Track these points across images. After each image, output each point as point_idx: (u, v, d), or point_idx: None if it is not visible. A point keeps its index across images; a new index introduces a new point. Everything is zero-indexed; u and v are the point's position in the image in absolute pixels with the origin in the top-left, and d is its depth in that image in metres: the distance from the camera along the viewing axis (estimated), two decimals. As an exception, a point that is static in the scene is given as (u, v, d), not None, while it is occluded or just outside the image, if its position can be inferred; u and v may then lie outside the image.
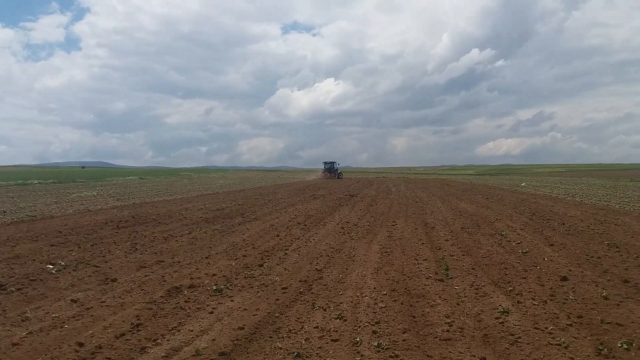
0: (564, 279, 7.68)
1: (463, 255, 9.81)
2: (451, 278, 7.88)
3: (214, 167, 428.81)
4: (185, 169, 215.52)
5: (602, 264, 8.73)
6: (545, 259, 9.26)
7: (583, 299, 6.56)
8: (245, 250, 10.15)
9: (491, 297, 6.71)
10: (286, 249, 10.32)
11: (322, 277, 7.86)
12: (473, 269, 8.55)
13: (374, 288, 7.20)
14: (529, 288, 7.20)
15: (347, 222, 15.02)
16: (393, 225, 14.53)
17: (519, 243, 11.09)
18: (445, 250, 10.29)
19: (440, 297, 6.77)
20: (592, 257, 9.46)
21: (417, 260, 9.28)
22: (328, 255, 9.59)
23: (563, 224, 14.37)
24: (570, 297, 6.67)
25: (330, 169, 69.16)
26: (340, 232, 12.87)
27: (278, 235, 12.17)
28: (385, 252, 10.12)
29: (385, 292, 6.94)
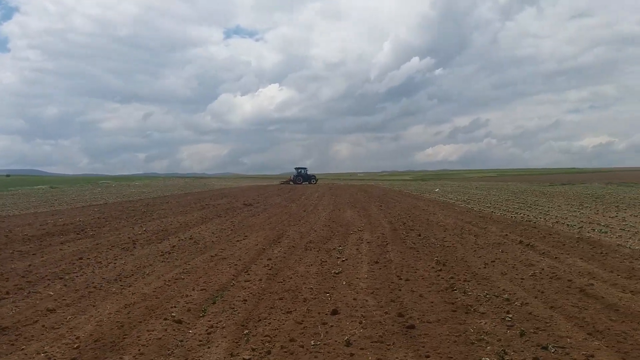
0: (334, 312, 6.44)
1: (268, 278, 8.48)
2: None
3: (153, 174, 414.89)
4: (123, 176, 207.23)
5: (399, 290, 7.60)
6: (345, 283, 8.06)
7: None
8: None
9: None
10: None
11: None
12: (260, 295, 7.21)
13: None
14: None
15: (190, 238, 13.45)
16: (245, 238, 13.22)
17: (344, 260, 9.94)
18: (251, 273, 8.93)
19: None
20: (399, 277, 8.36)
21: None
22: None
23: (419, 235, 13.48)
24: None
25: (303, 175, 70.53)
26: (168, 252, 11.31)
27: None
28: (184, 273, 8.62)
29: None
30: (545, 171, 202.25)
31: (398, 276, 8.46)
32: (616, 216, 17.86)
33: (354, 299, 7.07)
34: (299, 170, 72.38)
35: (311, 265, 9.59)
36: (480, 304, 6.74)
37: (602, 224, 15.35)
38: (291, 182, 70.33)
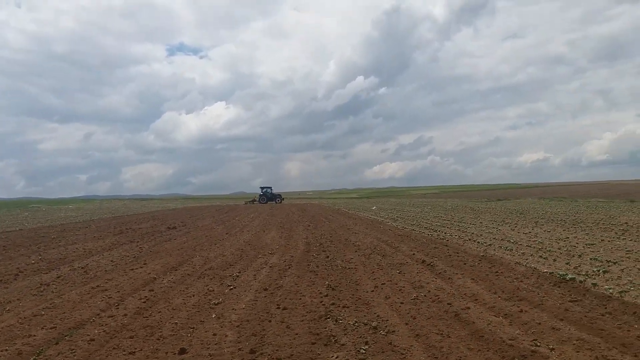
0: (182, 351, 5.84)
1: (136, 313, 7.80)
2: None
3: (95, 196, 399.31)
4: (63, 199, 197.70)
5: (268, 322, 7.12)
6: (215, 316, 7.50)
7: None
8: None
9: None
10: None
11: None
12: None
13: None
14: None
15: (83, 268, 12.50)
16: (143, 265, 12.50)
17: (233, 288, 9.42)
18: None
19: None
20: (278, 307, 7.91)
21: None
22: None
23: (327, 257, 13.24)
24: None
25: (267, 195, 69.70)
26: (47, 284, 10.39)
27: None
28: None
29: None
30: (485, 187, 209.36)
31: (278, 305, 7.99)
32: (530, 232, 18.19)
33: (214, 334, 6.54)
34: (264, 190, 71.58)
35: (193, 295, 8.99)
36: (345, 334, 6.36)
37: (512, 240, 15.53)
38: (256, 202, 69.40)
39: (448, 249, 14.22)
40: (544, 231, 18.44)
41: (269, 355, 5.68)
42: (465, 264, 11.70)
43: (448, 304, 7.84)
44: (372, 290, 8.99)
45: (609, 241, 14.69)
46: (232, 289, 9.48)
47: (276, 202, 69.07)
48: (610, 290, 8.20)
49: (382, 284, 9.54)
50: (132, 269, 12.27)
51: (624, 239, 15.14)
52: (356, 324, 6.78)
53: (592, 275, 9.65)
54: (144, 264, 13.11)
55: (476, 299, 8.12)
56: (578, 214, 27.39)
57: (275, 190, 73.05)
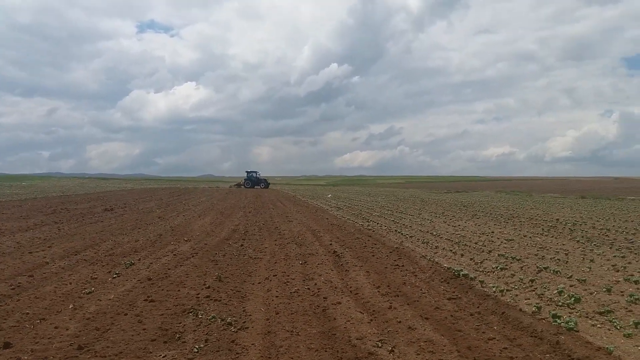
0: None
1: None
2: None
3: (58, 173, 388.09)
4: (24, 175, 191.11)
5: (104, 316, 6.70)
6: (72, 307, 7.05)
7: None
8: None
9: None
10: None
11: None
12: None
13: None
14: None
15: None
16: (43, 249, 11.78)
17: (115, 276, 8.92)
18: None
19: None
20: (146, 300, 7.50)
21: None
22: None
23: (242, 245, 12.69)
24: None
25: (251, 179, 67.87)
26: None
27: None
28: None
29: None
30: (450, 179, 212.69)
31: (147, 297, 7.60)
32: (460, 225, 18.25)
33: (55, 327, 6.12)
34: (249, 174, 70.06)
35: (70, 283, 8.56)
36: (194, 330, 6.05)
37: (436, 233, 15.50)
38: (242, 186, 67.96)
39: (368, 240, 14.08)
40: (475, 225, 18.53)
41: (97, 352, 5.29)
42: (374, 256, 11.55)
43: (324, 298, 7.61)
44: (259, 283, 8.70)
45: (530, 237, 14.78)
46: (115, 277, 9.02)
47: (261, 187, 67.35)
48: (493, 289, 8.08)
49: (274, 275, 9.25)
50: (31, 252, 11.65)
51: (545, 235, 15.27)
52: (213, 319, 6.45)
53: (489, 272, 9.58)
54: (48, 247, 12.50)
55: (356, 294, 7.93)
56: (519, 208, 27.78)
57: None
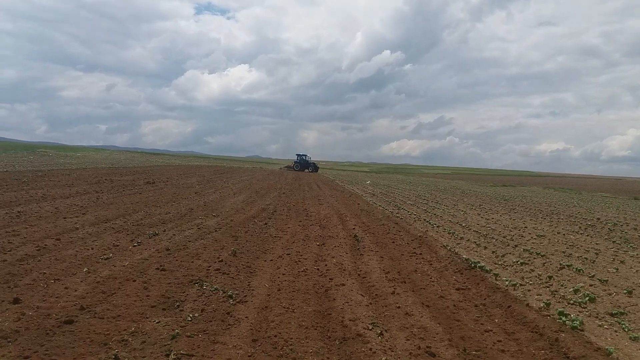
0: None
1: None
2: None
3: (113, 146, 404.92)
4: (81, 147, 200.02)
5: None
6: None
7: None
8: None
9: None
10: None
11: None
12: None
13: None
14: None
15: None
16: (77, 216, 12.32)
17: (137, 245, 9.25)
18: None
19: None
20: (159, 268, 7.76)
21: None
22: None
23: (266, 224, 12.89)
24: None
25: (301, 162, 68.50)
26: None
27: None
28: None
29: None
30: (499, 172, 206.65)
31: (160, 266, 7.84)
32: (493, 219, 17.82)
33: (65, 288, 6.41)
34: (300, 157, 70.50)
35: (92, 248, 8.90)
36: (195, 300, 6.21)
37: (465, 225, 15.20)
38: (291, 168, 68.57)
39: (393, 227, 13.98)
40: (509, 219, 18.03)
41: (96, 313, 5.53)
42: (393, 242, 11.47)
43: (330, 279, 7.64)
44: (272, 260, 8.81)
45: (563, 234, 14.28)
46: (136, 245, 9.35)
47: (309, 171, 67.03)
48: (507, 283, 7.88)
49: (288, 254, 9.35)
50: (65, 218, 12.21)
51: (581, 233, 14.70)
52: (215, 291, 6.60)
53: (508, 266, 9.35)
54: (83, 214, 13.06)
55: (363, 277, 7.92)
56: (562, 205, 26.79)
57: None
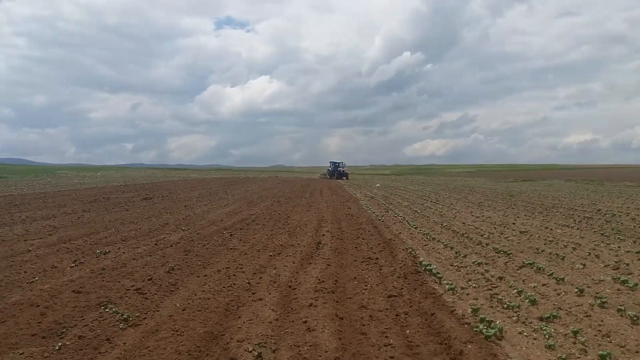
0: None
1: None
2: None
3: (140, 164, 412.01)
4: (109, 166, 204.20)
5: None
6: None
7: None
8: None
9: None
10: None
11: None
12: None
13: None
14: None
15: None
16: (41, 237, 12.14)
17: (104, 253, 8.93)
18: None
19: None
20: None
21: None
22: None
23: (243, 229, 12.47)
24: None
25: (331, 170, 67.75)
26: None
27: None
28: None
29: None
30: (526, 167, 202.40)
31: (75, 289, 7.46)
32: (484, 216, 17.11)
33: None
34: (332, 164, 69.55)
35: (36, 263, 8.57)
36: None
37: (447, 224, 14.54)
38: (326, 176, 68.08)
39: (369, 231, 13.55)
40: (503, 215, 17.29)
41: None
42: (357, 248, 11.04)
43: (252, 293, 7.21)
44: (205, 275, 8.43)
45: (551, 229, 13.52)
46: (73, 266, 9.06)
47: (341, 178, 64.64)
48: (447, 287, 7.27)
49: (227, 268, 8.91)
50: (27, 240, 12.06)
51: (571, 227, 13.88)
52: (114, 314, 6.20)
53: (462, 267, 8.79)
54: (49, 235, 12.91)
55: (294, 289, 7.45)
56: (568, 198, 25.72)
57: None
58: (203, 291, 7.36)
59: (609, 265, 8.69)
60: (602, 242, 11.20)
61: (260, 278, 8.11)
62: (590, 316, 5.89)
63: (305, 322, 5.84)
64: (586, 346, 4.98)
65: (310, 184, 47.07)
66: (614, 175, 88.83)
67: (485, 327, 5.36)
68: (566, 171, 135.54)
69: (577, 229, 13.52)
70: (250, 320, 5.95)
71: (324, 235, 12.77)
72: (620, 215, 16.55)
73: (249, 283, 7.81)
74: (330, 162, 69.76)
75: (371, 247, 11.00)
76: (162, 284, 7.78)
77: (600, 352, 4.63)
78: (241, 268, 8.90)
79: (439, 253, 10.14)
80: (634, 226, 13.88)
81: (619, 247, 10.55)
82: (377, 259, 9.74)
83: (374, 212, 18.34)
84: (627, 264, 8.72)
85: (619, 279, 7.55)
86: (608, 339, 5.19)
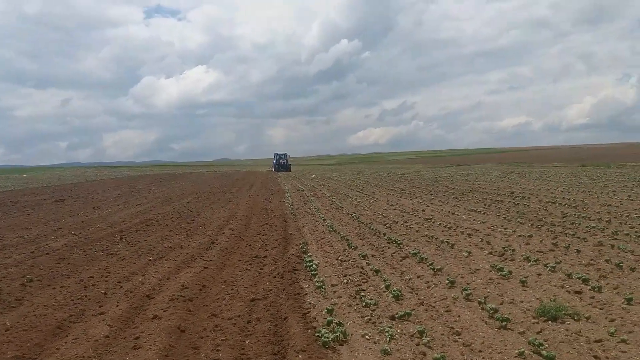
0: None
1: None
2: None
3: (76, 163, 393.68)
4: (42, 167, 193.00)
5: None
6: None
7: None
8: None
9: None
10: None
11: None
12: None
13: None
14: None
15: None
16: None
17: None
18: None
19: None
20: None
21: None
22: None
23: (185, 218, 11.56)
24: None
25: (276, 164, 64.41)
26: None
27: None
28: None
29: None
30: (464, 151, 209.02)
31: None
32: (398, 203, 16.96)
33: None
34: (276, 156, 66.22)
35: None
36: None
37: (357, 215, 14.25)
38: (273, 169, 64.60)
39: (277, 226, 13.14)
40: (417, 202, 17.34)
41: None
42: (250, 246, 10.60)
43: (99, 305, 6.43)
44: (60, 285, 7.52)
45: (457, 215, 13.53)
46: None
47: (286, 171, 61.88)
48: (318, 284, 6.80)
49: (91, 276, 8.07)
50: None
51: (478, 212, 13.99)
52: None
53: (346, 261, 8.29)
54: None
55: (151, 299, 6.72)
56: (487, 182, 26.28)
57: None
58: (45, 306, 6.56)
59: (495, 251, 8.54)
60: (502, 226, 11.19)
61: (121, 287, 7.37)
62: (450, 311, 5.58)
63: (137, 338, 5.20)
64: (429, 347, 4.62)
65: (246, 178, 46.07)
66: (544, 157, 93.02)
67: (328, 331, 4.90)
68: (500, 154, 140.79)
69: (484, 213, 13.55)
70: (76, 339, 5.25)
71: (224, 233, 12.13)
72: (529, 198, 16.85)
73: (104, 294, 7.05)
74: (275, 154, 67.15)
75: (266, 244, 10.48)
76: (8, 299, 6.92)
77: (435, 355, 4.26)
78: (107, 276, 8.10)
79: (332, 246, 9.73)
80: (539, 208, 14.07)
81: (514, 231, 10.53)
82: (265, 257, 9.22)
83: (291, 206, 17.84)
84: (514, 249, 8.60)
85: (496, 266, 7.34)
86: (457, 337, 4.87)
